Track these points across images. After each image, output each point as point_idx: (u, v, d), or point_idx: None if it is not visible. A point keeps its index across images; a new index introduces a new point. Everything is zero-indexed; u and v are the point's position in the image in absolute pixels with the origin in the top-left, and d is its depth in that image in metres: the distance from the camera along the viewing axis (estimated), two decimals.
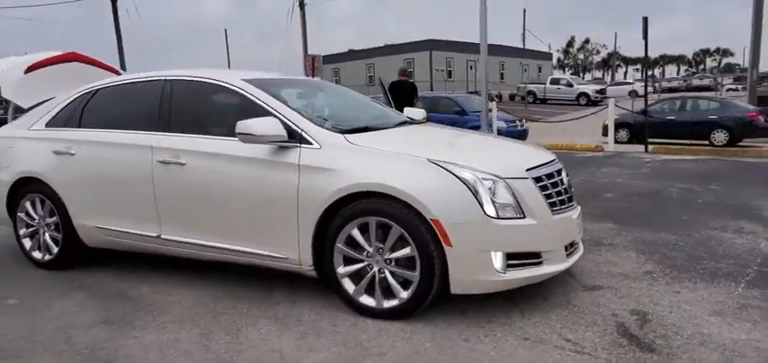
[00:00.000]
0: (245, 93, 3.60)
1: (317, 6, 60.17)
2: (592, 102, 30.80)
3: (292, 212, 3.26)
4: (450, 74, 33.71)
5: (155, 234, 3.80)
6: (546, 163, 3.38)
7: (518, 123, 13.70)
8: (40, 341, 3.04)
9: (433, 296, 3.04)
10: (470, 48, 35.76)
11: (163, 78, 3.95)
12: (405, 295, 3.07)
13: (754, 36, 19.32)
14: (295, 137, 3.31)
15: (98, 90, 4.28)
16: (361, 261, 3.18)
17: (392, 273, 3.11)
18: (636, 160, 9.50)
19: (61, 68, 5.02)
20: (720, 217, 5.19)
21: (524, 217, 3.01)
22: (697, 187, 6.84)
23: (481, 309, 3.18)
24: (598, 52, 75.80)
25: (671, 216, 5.39)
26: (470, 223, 2.92)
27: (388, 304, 3.12)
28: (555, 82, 33.81)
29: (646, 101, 11.36)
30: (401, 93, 9.69)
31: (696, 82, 44.06)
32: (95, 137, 4.04)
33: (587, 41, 76.69)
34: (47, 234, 4.31)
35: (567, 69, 74.66)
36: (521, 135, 13.08)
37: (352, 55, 36.63)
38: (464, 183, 2.96)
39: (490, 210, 2.94)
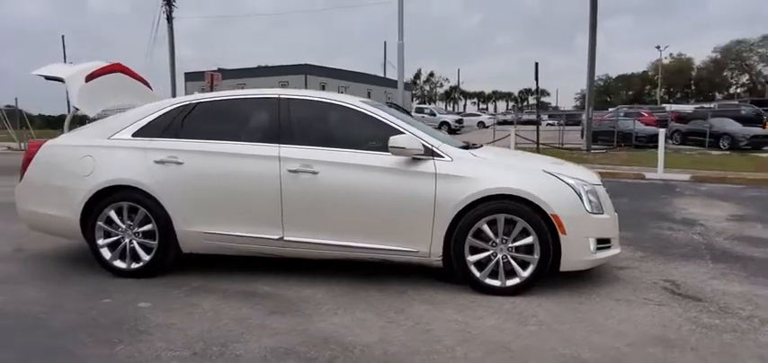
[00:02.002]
0: (374, 115, 4.25)
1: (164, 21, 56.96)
2: (452, 131, 34.10)
3: (429, 212, 3.98)
4: None
5: (277, 237, 4.19)
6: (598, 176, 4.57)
7: None
8: (233, 332, 3.35)
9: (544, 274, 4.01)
10: (342, 74, 37.37)
11: (276, 96, 4.37)
12: (525, 274, 3.98)
13: (588, 81, 23.53)
14: (428, 151, 4.05)
15: (197, 104, 4.50)
16: (487, 249, 4.02)
17: (513, 258, 4.00)
18: None
19: (111, 78, 5.04)
20: (653, 221, 6.92)
21: (603, 213, 4.14)
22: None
23: (566, 286, 4.20)
24: (442, 85, 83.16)
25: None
26: (577, 217, 3.96)
27: (510, 282, 4.00)
28: (420, 110, 36.77)
29: (537, 129, 13.58)
30: None
31: (525, 116, 51.40)
32: (208, 147, 4.28)
33: (432, 75, 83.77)
34: (135, 243, 4.36)
35: (414, 99, 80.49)
36: None
37: (222, 74, 35.73)
38: (571, 188, 4.00)
39: (588, 207, 4.01)
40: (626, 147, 22.30)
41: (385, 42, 48.65)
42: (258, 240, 4.22)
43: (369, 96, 40.20)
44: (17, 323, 3.48)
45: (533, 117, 51.39)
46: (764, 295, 4.07)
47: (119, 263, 4.38)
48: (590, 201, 4.04)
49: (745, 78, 74.48)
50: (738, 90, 72.93)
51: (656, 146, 23.02)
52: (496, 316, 3.61)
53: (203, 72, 36.79)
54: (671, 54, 74.75)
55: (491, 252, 4.01)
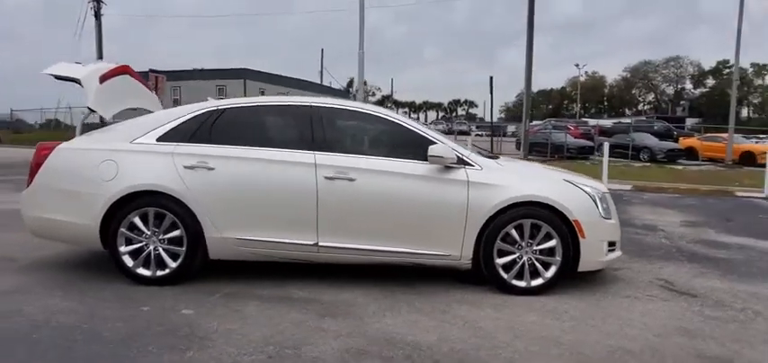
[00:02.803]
0: (405, 124, 4.45)
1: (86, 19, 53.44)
2: None
3: (461, 218, 4.22)
4: None
5: (312, 243, 4.25)
6: None
7: None
8: (297, 336, 3.40)
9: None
10: (282, 80, 36.94)
11: (308, 104, 4.46)
12: (548, 275, 4.30)
13: (526, 94, 24.85)
14: (460, 160, 4.29)
15: (226, 109, 4.48)
16: (513, 252, 4.31)
17: (537, 260, 4.31)
18: None
19: (120, 80, 4.89)
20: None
21: (611, 219, 4.56)
22: None
23: (579, 286, 4.57)
24: (374, 94, 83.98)
25: None
26: (594, 222, 4.34)
27: (535, 282, 4.31)
28: None
29: (492, 139, 14.23)
30: None
31: (456, 127, 53.36)
32: (241, 153, 4.28)
33: (364, 83, 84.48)
34: (160, 249, 4.26)
35: None
36: None
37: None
38: (588, 195, 4.38)
39: (602, 213, 4.41)
40: (559, 159, 23.67)
41: (322, 49, 48.89)
42: (292, 245, 4.26)
43: None
44: (66, 334, 3.32)
45: (464, 127, 53.55)
46: (745, 290, 4.65)
47: (142, 271, 4.26)
48: (603, 207, 4.44)
49: (650, 96, 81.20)
50: (645, 107, 79.34)
51: (586, 158, 24.85)
52: (533, 314, 3.89)
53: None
54: (586, 72, 79.94)
55: (517, 254, 4.30)
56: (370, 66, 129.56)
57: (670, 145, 25.65)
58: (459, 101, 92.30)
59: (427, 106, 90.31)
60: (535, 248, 4.29)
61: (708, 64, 71.72)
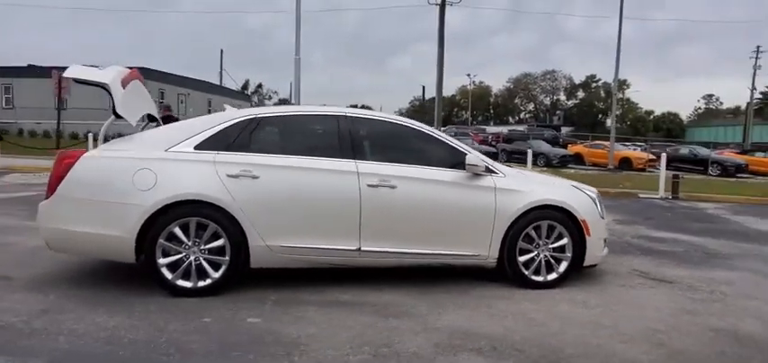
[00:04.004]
0: (439, 137, 4.80)
1: None
2: None
3: (490, 220, 4.63)
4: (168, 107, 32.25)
5: (354, 248, 4.42)
6: None
7: None
8: (380, 335, 3.58)
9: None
10: (183, 81, 35.08)
11: (346, 114, 4.64)
12: (561, 268, 4.85)
13: (437, 100, 26.07)
14: (487, 168, 4.70)
15: (263, 118, 4.50)
16: (531, 251, 4.80)
17: (552, 257, 4.84)
18: None
19: (132, 85, 4.68)
20: None
21: (605, 218, 5.23)
22: None
23: (579, 280, 5.16)
24: (270, 97, 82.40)
25: None
26: (596, 221, 4.96)
27: (550, 277, 4.83)
28: None
29: None
30: None
31: None
32: (286, 161, 4.33)
33: (260, 86, 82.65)
34: (202, 259, 4.18)
35: None
36: None
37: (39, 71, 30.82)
38: (591, 198, 5.00)
39: (600, 213, 5.05)
40: None
41: (222, 50, 47.21)
42: (336, 251, 4.39)
43: (210, 105, 38.24)
44: (154, 350, 3.21)
45: None
46: (703, 276, 5.54)
47: (183, 282, 4.15)
48: (600, 208, 5.09)
49: (531, 106, 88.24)
50: (526, 115, 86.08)
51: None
52: (564, 304, 4.39)
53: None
54: (473, 82, 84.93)
55: (535, 253, 4.80)
56: (263, 68, 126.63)
57: (562, 151, 28.31)
58: (356, 105, 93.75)
59: None
60: (550, 246, 4.82)
61: (578, 78, 79.69)
